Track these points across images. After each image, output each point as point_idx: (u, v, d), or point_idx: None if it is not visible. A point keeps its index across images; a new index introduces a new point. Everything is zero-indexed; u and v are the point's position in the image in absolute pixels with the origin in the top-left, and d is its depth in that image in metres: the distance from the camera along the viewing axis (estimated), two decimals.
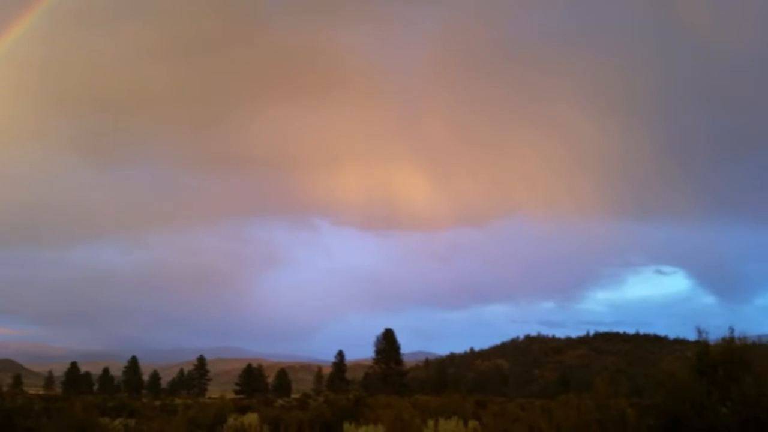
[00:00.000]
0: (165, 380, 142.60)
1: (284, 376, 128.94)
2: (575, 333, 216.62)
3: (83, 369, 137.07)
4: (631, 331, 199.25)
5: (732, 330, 11.39)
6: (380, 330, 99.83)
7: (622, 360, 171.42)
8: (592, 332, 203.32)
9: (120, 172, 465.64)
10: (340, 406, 22.41)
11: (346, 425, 15.26)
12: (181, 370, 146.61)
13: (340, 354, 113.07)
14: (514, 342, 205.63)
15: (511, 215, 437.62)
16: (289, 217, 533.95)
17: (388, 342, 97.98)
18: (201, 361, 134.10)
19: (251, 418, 21.22)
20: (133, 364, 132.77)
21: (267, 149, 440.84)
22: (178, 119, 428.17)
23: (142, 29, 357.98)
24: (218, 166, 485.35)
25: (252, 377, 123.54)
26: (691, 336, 12.10)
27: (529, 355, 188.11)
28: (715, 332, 11.73)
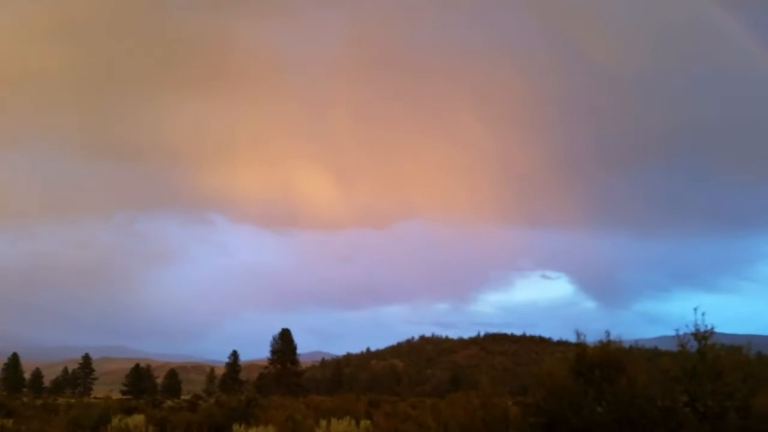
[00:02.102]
0: (48, 379, 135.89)
1: (174, 376, 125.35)
2: (467, 334, 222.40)
3: None
4: (518, 332, 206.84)
5: (608, 333, 12.06)
6: (277, 330, 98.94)
7: (509, 360, 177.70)
8: (482, 333, 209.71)
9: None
10: (231, 407, 22.09)
11: (235, 427, 15.05)
12: (66, 369, 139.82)
13: (234, 354, 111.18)
14: (409, 342, 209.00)
15: (411, 218, 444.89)
16: (184, 211, 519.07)
17: (284, 342, 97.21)
18: (86, 359, 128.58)
19: (137, 419, 20.51)
20: (14, 362, 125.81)
21: (162, 139, 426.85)
22: (69, 104, 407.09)
23: (40, 9, 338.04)
24: (110, 155, 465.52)
25: (140, 377, 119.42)
26: (573, 338, 12.70)
27: (423, 355, 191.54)
28: (594, 335, 12.39)
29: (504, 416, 12.77)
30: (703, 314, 11.36)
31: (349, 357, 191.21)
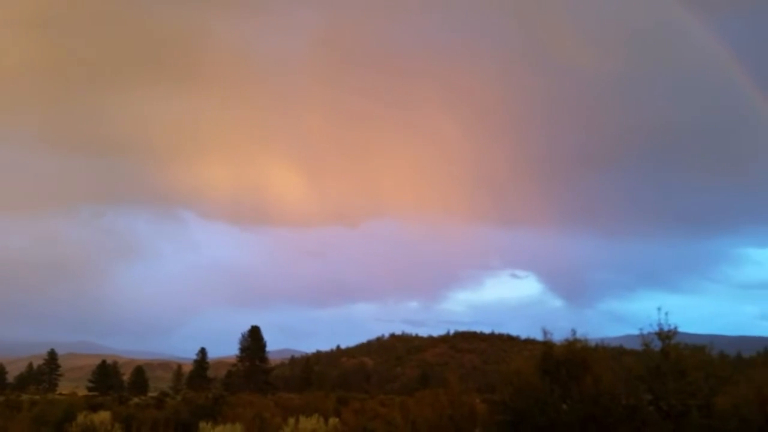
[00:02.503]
0: (12, 375, 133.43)
1: (141, 373, 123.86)
2: (437, 332, 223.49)
3: None
4: (487, 330, 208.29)
5: (574, 332, 12.22)
6: (246, 327, 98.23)
7: (478, 358, 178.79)
8: (452, 331, 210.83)
9: None
10: (198, 405, 21.89)
11: (202, 424, 14.92)
12: (31, 365, 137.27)
13: (203, 351, 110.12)
14: (379, 340, 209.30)
15: (383, 216, 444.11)
16: (153, 207, 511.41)
17: (253, 339, 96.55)
18: (52, 355, 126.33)
19: (102, 416, 20.25)
20: None
21: (130, 134, 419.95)
22: (33, 96, 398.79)
23: (3, 1, 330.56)
24: (75, 149, 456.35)
25: (107, 374, 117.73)
26: (541, 336, 12.84)
27: (393, 353, 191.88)
28: (561, 334, 12.53)
29: (471, 414, 12.87)
30: (666, 314, 11.58)
31: (318, 354, 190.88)
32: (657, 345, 11.54)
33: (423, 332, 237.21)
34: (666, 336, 11.42)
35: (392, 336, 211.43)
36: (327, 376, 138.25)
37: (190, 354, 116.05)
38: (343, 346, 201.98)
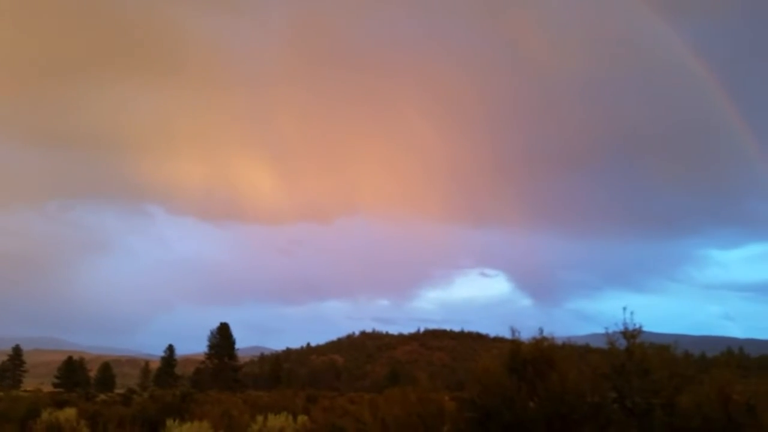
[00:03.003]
0: None
1: (108, 370, 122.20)
2: (407, 330, 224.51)
3: None
4: (457, 328, 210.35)
5: (542, 330, 12.36)
6: (215, 324, 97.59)
7: (448, 356, 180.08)
8: (422, 329, 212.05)
9: None
10: (165, 402, 21.68)
11: (169, 422, 14.79)
12: None
13: (170, 348, 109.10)
14: (349, 338, 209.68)
15: (355, 214, 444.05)
16: (121, 202, 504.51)
17: (222, 336, 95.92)
18: (17, 351, 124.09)
19: (68, 413, 19.93)
20: None
21: (99, 127, 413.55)
22: (1, 89, 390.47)
23: None
24: (43, 141, 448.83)
25: (73, 370, 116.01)
26: (509, 335, 12.95)
27: (363, 351, 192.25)
28: (529, 332, 12.67)
29: (440, 411, 12.94)
30: (631, 314, 11.77)
31: (288, 352, 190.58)
32: (622, 344, 11.72)
33: (393, 330, 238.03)
34: (631, 335, 11.60)
35: (363, 334, 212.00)
36: (297, 373, 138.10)
37: (157, 351, 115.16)
38: (313, 344, 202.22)
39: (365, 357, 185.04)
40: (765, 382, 12.76)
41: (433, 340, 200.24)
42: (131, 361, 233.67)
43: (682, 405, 11.20)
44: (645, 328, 11.80)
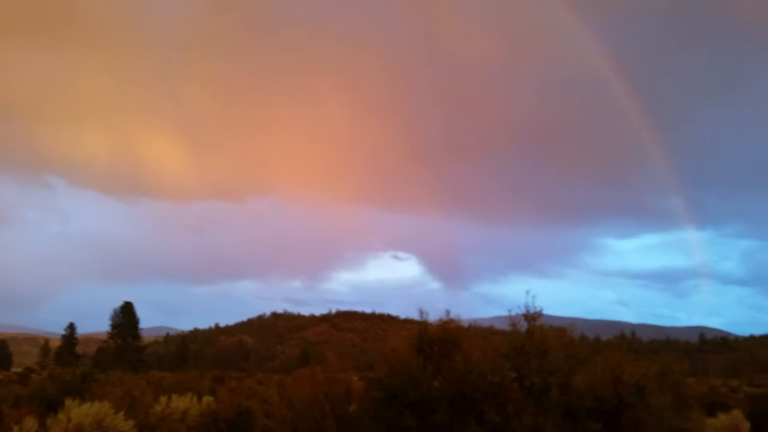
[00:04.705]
0: None
1: (5, 347, 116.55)
2: (319, 311, 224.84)
3: None
4: (368, 310, 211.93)
5: (448, 312, 12.71)
6: (119, 303, 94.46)
7: (358, 337, 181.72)
8: (334, 311, 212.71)
9: None
10: (65, 382, 20.97)
11: (68, 402, 14.30)
12: None
13: (71, 326, 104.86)
14: (260, 318, 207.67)
15: (269, 193, 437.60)
16: (18, 172, 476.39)
17: (126, 315, 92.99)
18: None
19: None
20: None
21: None
22: None
23: None
24: None
25: None
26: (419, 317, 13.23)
27: (274, 332, 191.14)
28: (438, 314, 12.99)
29: (347, 391, 13.11)
30: (533, 297, 12.29)
31: (196, 332, 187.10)
32: (523, 326, 12.22)
33: (305, 311, 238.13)
34: (531, 317, 12.11)
35: (274, 314, 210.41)
36: (204, 354, 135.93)
37: (58, 329, 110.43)
38: (222, 324, 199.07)
39: (276, 338, 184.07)
40: (654, 364, 13.60)
41: (344, 321, 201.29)
42: (30, 339, 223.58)
43: (576, 385, 11.80)
44: (545, 312, 12.33)
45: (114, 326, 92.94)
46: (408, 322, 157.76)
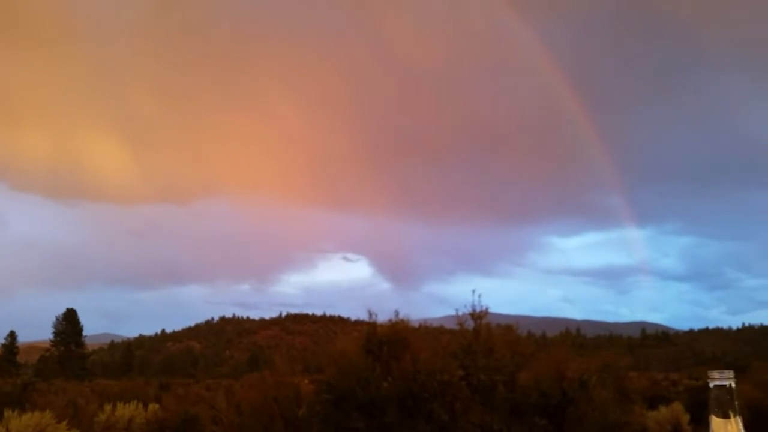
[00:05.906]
0: None
1: None
2: (269, 315, 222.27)
3: None
4: (319, 312, 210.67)
5: (397, 313, 12.79)
6: (61, 310, 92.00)
7: (309, 339, 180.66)
8: (284, 314, 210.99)
9: None
10: (5, 392, 20.28)
11: (8, 413, 13.87)
12: None
13: (12, 334, 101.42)
14: (208, 323, 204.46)
15: (216, 196, 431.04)
16: None
17: (68, 323, 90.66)
18: None
19: None
20: None
21: None
22: None
23: None
24: None
25: None
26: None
27: (223, 336, 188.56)
28: (388, 315, 13.07)
29: (296, 395, 13.07)
30: (479, 296, 12.48)
31: (141, 339, 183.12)
32: (470, 325, 12.40)
33: (255, 315, 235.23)
34: (478, 316, 12.29)
35: (222, 319, 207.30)
36: (150, 361, 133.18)
37: None
38: (168, 330, 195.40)
39: (224, 343, 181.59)
40: (597, 359, 13.97)
41: (294, 324, 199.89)
42: None
43: (522, 381, 12.04)
44: (492, 310, 12.55)
45: (57, 334, 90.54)
46: (359, 323, 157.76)
